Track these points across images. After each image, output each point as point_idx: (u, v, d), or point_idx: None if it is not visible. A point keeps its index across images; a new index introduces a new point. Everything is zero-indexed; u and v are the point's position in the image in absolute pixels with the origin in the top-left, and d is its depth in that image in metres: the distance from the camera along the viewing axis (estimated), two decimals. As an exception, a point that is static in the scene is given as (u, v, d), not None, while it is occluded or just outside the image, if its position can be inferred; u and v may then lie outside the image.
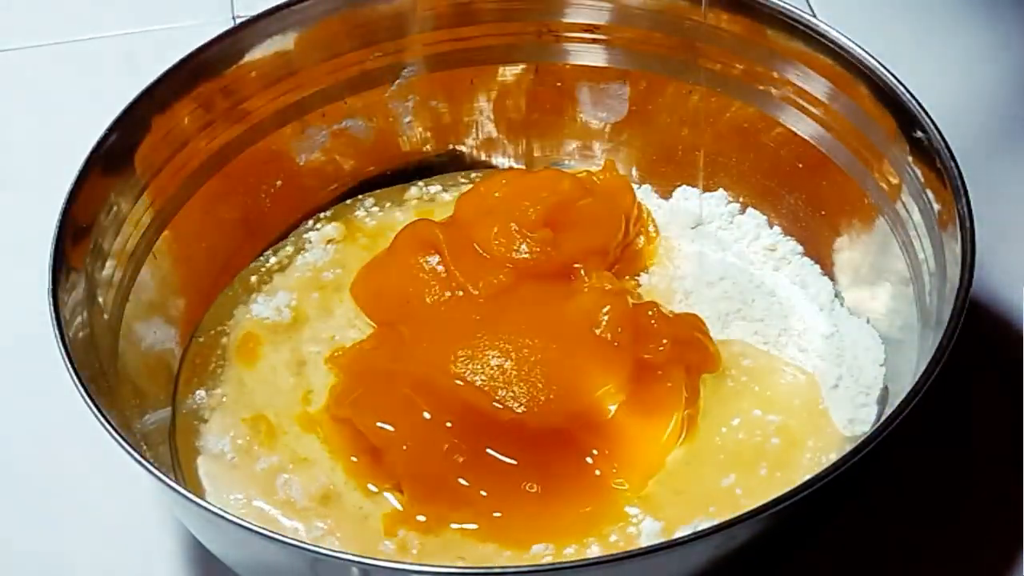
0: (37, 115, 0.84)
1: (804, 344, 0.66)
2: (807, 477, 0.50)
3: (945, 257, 0.58)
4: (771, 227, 0.71)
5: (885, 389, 0.63)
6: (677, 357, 0.62)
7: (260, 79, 0.69)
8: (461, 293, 0.65)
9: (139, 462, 0.51)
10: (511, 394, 0.60)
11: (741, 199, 0.72)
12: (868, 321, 0.66)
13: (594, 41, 0.73)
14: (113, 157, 0.63)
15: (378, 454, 0.61)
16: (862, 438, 0.52)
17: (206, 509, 0.50)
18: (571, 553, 0.57)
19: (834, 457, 0.59)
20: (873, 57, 0.63)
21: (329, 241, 0.72)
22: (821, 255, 0.69)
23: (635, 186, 0.73)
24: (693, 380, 0.63)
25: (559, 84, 0.74)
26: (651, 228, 0.71)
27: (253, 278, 0.70)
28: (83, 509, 0.64)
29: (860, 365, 0.64)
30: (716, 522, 0.49)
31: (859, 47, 0.64)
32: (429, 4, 0.71)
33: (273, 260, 0.71)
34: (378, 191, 0.74)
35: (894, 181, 0.63)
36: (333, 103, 0.72)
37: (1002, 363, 0.68)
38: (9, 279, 0.73)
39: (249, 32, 0.68)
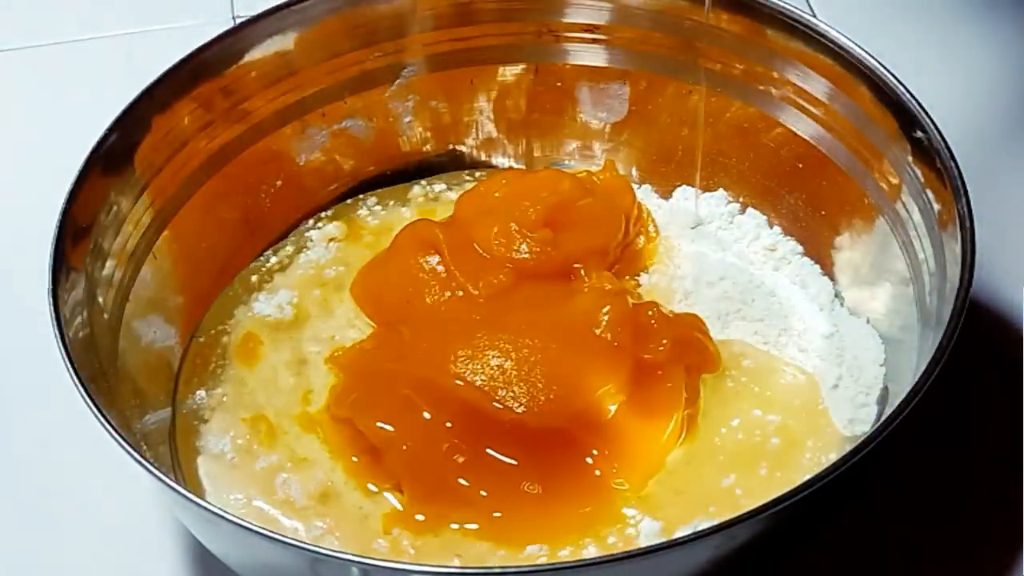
0: (37, 115, 0.84)
1: (804, 344, 0.66)
2: (807, 477, 0.50)
3: (945, 257, 0.58)
4: (771, 227, 0.71)
5: (885, 389, 0.63)
6: (677, 357, 0.62)
7: (260, 79, 0.69)
8: (461, 293, 0.65)
9: (139, 462, 0.51)
10: (511, 394, 0.60)
11: (741, 199, 0.72)
12: (868, 321, 0.66)
13: (594, 41, 0.73)
14: (113, 157, 0.63)
15: (378, 454, 0.61)
16: (862, 438, 0.52)
17: (206, 509, 0.50)
18: (568, 554, 0.57)
19: (834, 457, 0.59)
20: (873, 57, 0.63)
21: (331, 240, 0.72)
22: (821, 255, 0.69)
23: (635, 186, 0.73)
24: (693, 380, 0.63)
25: (559, 84, 0.74)
26: (651, 228, 0.71)
27: (254, 278, 0.70)
28: (83, 509, 0.64)
29: (860, 365, 0.64)
30: (716, 522, 0.49)
31: (859, 47, 0.64)
32: (429, 4, 0.71)
33: (274, 260, 0.71)
34: (381, 190, 0.74)
35: (894, 181, 0.63)
36: (333, 103, 0.72)
37: (1002, 363, 0.68)
38: (9, 279, 0.73)
39: (249, 32, 0.68)
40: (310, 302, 0.69)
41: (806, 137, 0.69)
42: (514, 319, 0.63)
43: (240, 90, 0.68)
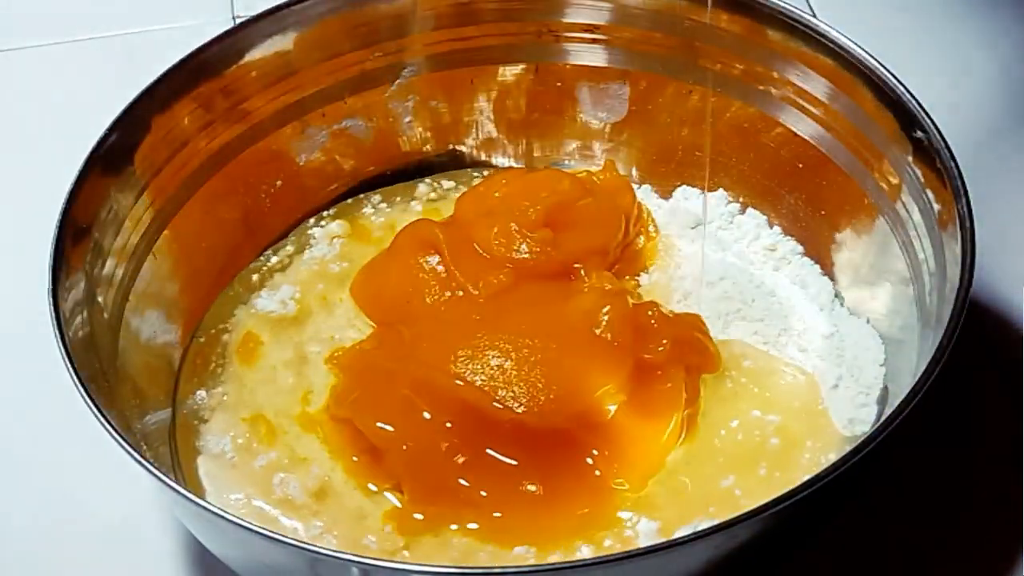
0: (37, 115, 0.84)
1: (804, 344, 0.66)
2: (807, 477, 0.50)
3: (945, 257, 0.58)
4: (771, 227, 0.71)
5: (885, 389, 0.63)
6: (677, 357, 0.62)
7: (260, 79, 0.69)
8: (461, 293, 0.65)
9: (139, 462, 0.51)
10: (511, 394, 0.60)
11: (741, 199, 0.72)
12: (868, 321, 0.66)
13: (594, 41, 0.73)
14: (113, 157, 0.63)
15: (378, 454, 0.61)
16: (862, 438, 0.52)
17: (206, 509, 0.50)
18: (566, 555, 0.57)
19: (834, 457, 0.59)
20: (873, 57, 0.63)
21: (335, 237, 0.72)
22: (821, 255, 0.69)
23: (635, 186, 0.73)
24: (693, 380, 0.63)
25: (559, 84, 0.74)
26: (651, 228, 0.71)
27: (254, 277, 0.70)
28: (83, 509, 0.64)
29: (860, 365, 0.64)
30: (716, 522, 0.49)
31: (859, 47, 0.64)
32: (429, 4, 0.71)
33: (274, 259, 0.71)
34: (386, 188, 0.74)
35: (894, 181, 0.63)
36: (333, 103, 0.72)
37: (1002, 363, 0.68)
38: (9, 279, 0.73)
39: (249, 32, 0.68)
40: (313, 297, 0.69)
41: (806, 137, 0.69)
42: (514, 319, 0.63)
43: (240, 90, 0.68)
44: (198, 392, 0.65)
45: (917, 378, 0.52)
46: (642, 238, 0.71)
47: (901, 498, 0.63)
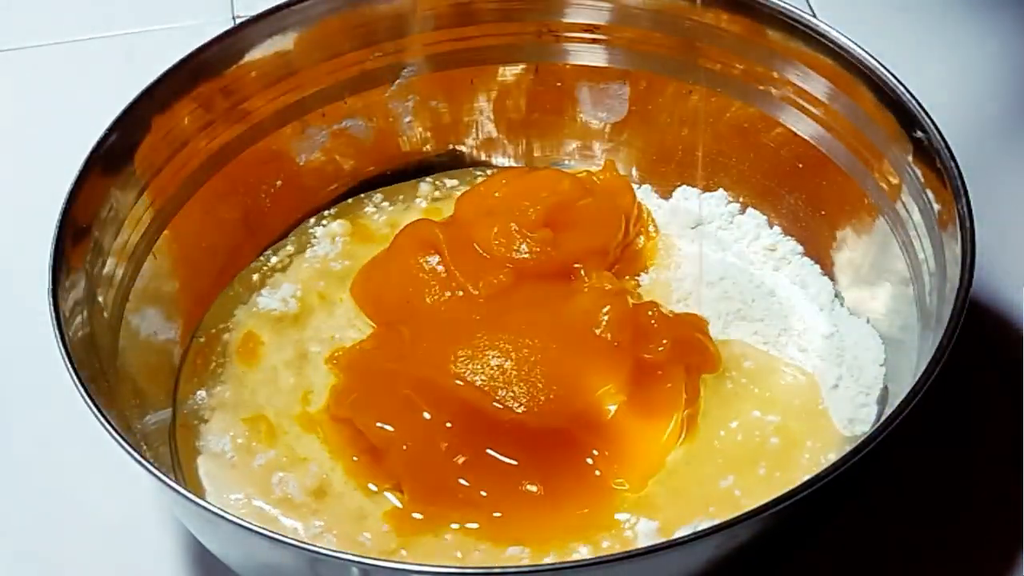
0: (37, 115, 0.84)
1: (804, 344, 0.66)
2: (807, 477, 0.50)
3: (945, 257, 0.58)
4: (771, 227, 0.71)
5: (885, 389, 0.63)
6: (677, 357, 0.62)
7: (260, 79, 0.69)
8: (461, 293, 0.65)
9: (139, 462, 0.51)
10: (511, 394, 0.60)
11: (741, 199, 0.72)
12: (868, 321, 0.66)
13: (594, 41, 0.73)
14: (113, 157, 0.63)
15: (378, 454, 0.61)
16: (862, 438, 0.52)
17: (206, 509, 0.50)
18: (567, 555, 0.57)
19: (834, 457, 0.59)
20: (873, 57, 0.63)
21: (336, 236, 0.72)
22: (821, 255, 0.69)
23: (635, 186, 0.73)
24: (693, 380, 0.63)
25: (559, 84, 0.74)
26: (651, 228, 0.71)
27: (254, 277, 0.70)
28: (83, 509, 0.64)
29: (860, 365, 0.64)
30: (716, 522, 0.49)
31: (859, 47, 0.64)
32: (429, 4, 0.71)
33: (274, 259, 0.71)
34: (388, 187, 0.74)
35: (894, 181, 0.63)
36: (333, 103, 0.72)
37: (1002, 363, 0.68)
38: (9, 279, 0.73)
39: (249, 32, 0.68)
40: (314, 294, 0.69)
41: (806, 137, 0.69)
42: (514, 319, 0.63)
43: (240, 90, 0.68)
44: (198, 392, 0.65)
45: (917, 378, 0.52)
46: (642, 238, 0.71)
47: (901, 498, 0.63)
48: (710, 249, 0.70)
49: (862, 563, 0.61)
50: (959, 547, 0.61)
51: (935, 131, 0.60)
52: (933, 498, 0.63)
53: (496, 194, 0.69)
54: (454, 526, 0.58)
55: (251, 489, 0.60)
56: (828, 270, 0.69)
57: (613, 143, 0.75)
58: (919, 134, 0.61)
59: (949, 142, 0.60)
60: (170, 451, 0.62)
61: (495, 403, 0.59)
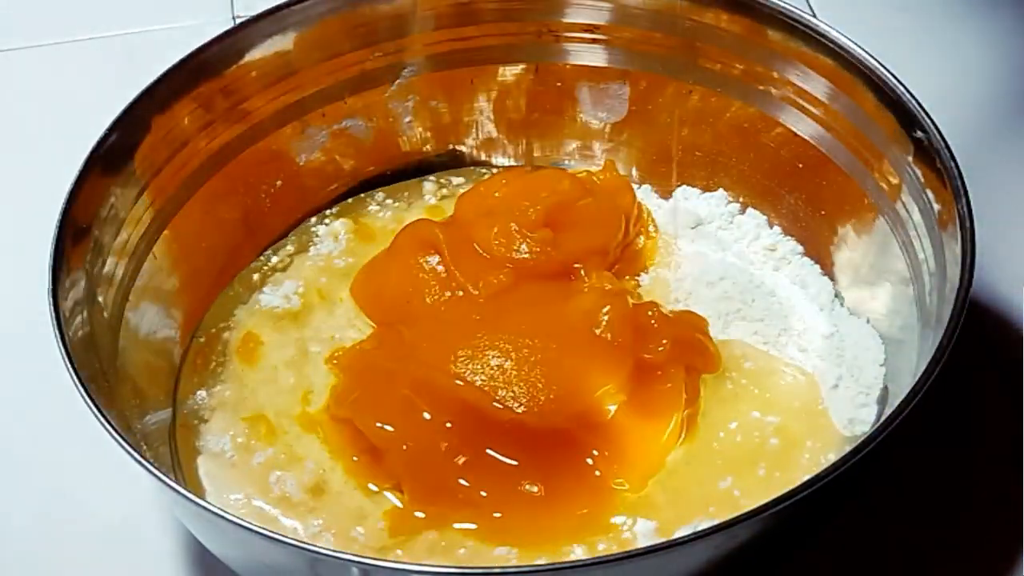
0: (37, 115, 0.84)
1: (804, 344, 0.66)
2: (807, 477, 0.50)
3: (945, 257, 0.58)
4: (771, 227, 0.71)
5: (885, 389, 0.63)
6: (677, 357, 0.62)
7: (260, 79, 0.69)
8: (461, 293, 0.65)
9: (139, 462, 0.51)
10: (511, 394, 0.60)
11: (741, 199, 0.72)
12: (868, 321, 0.66)
13: (594, 41, 0.73)
14: (113, 157, 0.63)
15: (378, 454, 0.61)
16: (862, 438, 0.52)
17: (206, 509, 0.50)
18: (562, 555, 0.57)
19: (833, 457, 0.59)
20: (873, 57, 0.63)
21: (339, 235, 0.72)
22: (821, 255, 0.69)
23: (635, 186, 0.73)
24: (693, 380, 0.63)
25: (559, 84, 0.74)
26: (651, 228, 0.71)
27: (255, 277, 0.70)
28: (83, 509, 0.64)
29: (860, 365, 0.64)
30: (716, 522, 0.49)
31: (859, 47, 0.64)
32: (429, 4, 0.71)
33: (275, 259, 0.71)
34: (390, 186, 0.74)
35: (894, 181, 0.63)
36: (333, 103, 0.72)
37: (1002, 363, 0.68)
38: (9, 279, 0.73)
39: (249, 32, 0.68)
40: (316, 291, 0.69)
41: (806, 137, 0.69)
42: (514, 319, 0.63)
43: (240, 90, 0.69)
44: (198, 392, 0.65)
45: (917, 378, 0.52)
46: (642, 238, 0.71)
47: (901, 498, 0.63)
48: (710, 249, 0.70)
49: (862, 563, 0.61)
50: (959, 547, 0.61)
51: (935, 131, 0.60)
52: (933, 498, 0.63)
53: (496, 194, 0.69)
54: (454, 526, 0.58)
55: (251, 489, 0.60)
56: (828, 270, 0.69)
57: (613, 143, 0.75)
58: (919, 134, 0.61)
59: (949, 142, 0.60)
60: (170, 451, 0.62)
61: (495, 403, 0.59)
